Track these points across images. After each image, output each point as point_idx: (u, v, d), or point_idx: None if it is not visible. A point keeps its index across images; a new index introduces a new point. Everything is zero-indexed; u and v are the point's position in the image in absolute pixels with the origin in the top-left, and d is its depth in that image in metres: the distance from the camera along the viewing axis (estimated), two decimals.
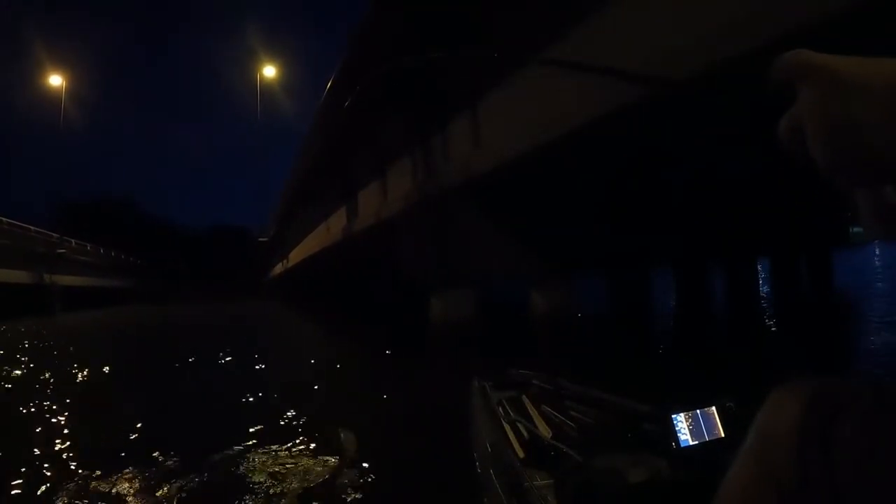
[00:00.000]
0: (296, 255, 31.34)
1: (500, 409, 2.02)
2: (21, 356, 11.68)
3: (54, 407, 6.27)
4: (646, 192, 6.66)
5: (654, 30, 3.65)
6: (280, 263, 41.81)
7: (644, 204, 6.72)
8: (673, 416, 1.41)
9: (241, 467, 3.80)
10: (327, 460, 3.84)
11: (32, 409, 6.20)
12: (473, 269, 9.32)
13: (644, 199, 6.74)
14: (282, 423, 4.99)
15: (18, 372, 9.59)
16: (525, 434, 1.79)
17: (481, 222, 7.84)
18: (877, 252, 35.86)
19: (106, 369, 9.26)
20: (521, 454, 1.72)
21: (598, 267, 13.10)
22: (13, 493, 3.65)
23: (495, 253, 8.63)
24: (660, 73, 3.51)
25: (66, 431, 5.20)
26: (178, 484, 3.52)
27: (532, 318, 9.61)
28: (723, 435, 1.42)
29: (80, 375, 8.80)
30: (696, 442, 1.40)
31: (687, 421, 1.43)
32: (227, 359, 9.71)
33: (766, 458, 0.60)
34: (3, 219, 28.63)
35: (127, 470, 3.80)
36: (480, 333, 9.27)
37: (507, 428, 1.88)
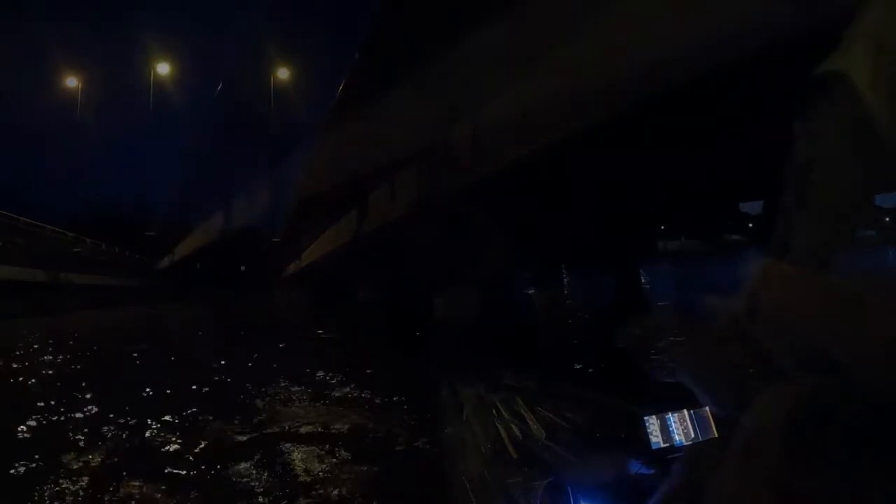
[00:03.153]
0: (308, 255, 31.49)
1: (495, 410, 2.07)
2: (33, 354, 11.88)
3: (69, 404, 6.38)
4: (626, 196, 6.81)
5: (643, 42, 3.71)
6: (293, 263, 41.89)
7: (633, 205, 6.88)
8: (646, 418, 1.48)
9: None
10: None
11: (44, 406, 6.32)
12: (474, 269, 9.39)
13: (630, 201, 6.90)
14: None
15: (20, 368, 9.73)
16: (518, 435, 1.83)
17: (482, 224, 7.94)
18: None
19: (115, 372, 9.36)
20: (514, 454, 1.77)
21: (590, 265, 13.14)
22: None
23: (495, 253, 8.70)
24: (649, 83, 3.57)
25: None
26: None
27: (530, 314, 9.66)
28: (699, 438, 1.47)
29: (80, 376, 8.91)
30: (667, 445, 1.47)
31: (680, 422, 1.49)
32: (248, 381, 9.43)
33: (756, 457, 0.60)
34: (20, 218, 29.01)
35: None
36: (481, 330, 9.35)
37: (501, 429, 1.92)
